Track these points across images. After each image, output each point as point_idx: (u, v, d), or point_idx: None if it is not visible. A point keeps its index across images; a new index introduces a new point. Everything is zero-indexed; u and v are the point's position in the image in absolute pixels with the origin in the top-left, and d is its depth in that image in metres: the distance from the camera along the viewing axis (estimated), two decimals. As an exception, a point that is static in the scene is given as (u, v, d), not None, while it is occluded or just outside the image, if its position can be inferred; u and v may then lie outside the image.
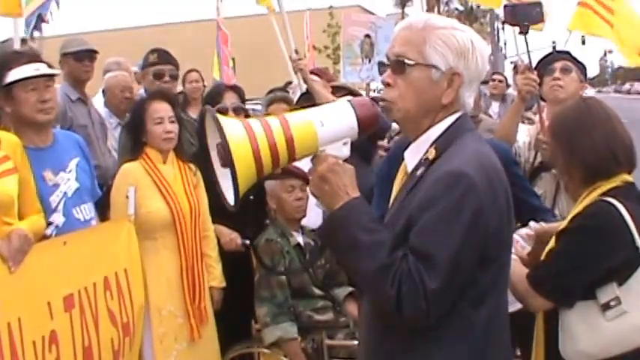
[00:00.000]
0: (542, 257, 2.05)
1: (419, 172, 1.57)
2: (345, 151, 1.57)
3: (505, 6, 3.31)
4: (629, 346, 1.93)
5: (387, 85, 1.60)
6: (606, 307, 1.90)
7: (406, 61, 1.55)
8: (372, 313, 1.60)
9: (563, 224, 2.05)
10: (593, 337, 1.92)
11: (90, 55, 4.00)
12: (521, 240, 2.17)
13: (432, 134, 1.59)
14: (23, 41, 3.54)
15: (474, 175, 1.47)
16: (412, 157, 1.62)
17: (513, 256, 2.00)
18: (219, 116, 1.48)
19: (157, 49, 3.94)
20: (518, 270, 2.01)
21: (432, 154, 1.56)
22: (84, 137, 3.59)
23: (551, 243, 2.04)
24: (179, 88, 5.83)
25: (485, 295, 1.54)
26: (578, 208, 2.03)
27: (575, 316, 1.94)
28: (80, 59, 3.95)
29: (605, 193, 1.98)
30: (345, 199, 1.51)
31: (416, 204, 1.50)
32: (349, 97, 1.68)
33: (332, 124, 1.54)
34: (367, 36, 7.31)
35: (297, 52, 3.80)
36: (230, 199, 1.52)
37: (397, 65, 1.58)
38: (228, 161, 1.44)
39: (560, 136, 2.08)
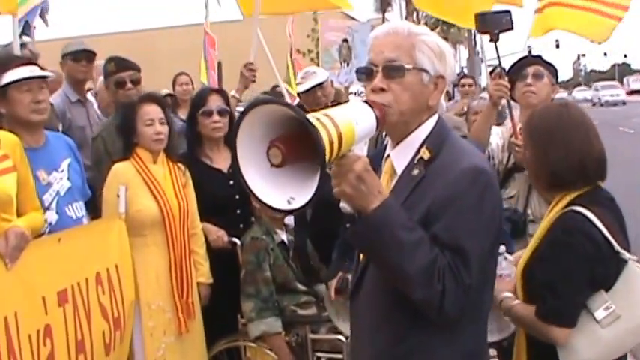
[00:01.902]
0: (518, 274, 2.08)
1: (415, 172, 1.60)
2: (365, 151, 1.55)
3: (475, 15, 3.43)
4: (629, 346, 1.98)
5: (380, 89, 1.60)
6: (600, 314, 1.93)
7: (405, 65, 1.59)
8: (389, 312, 1.59)
9: (534, 242, 2.05)
10: (593, 345, 1.93)
11: (87, 55, 4.05)
12: (506, 269, 2.18)
13: (420, 135, 1.64)
14: (23, 45, 3.59)
15: (490, 172, 1.58)
16: (400, 159, 1.66)
17: (508, 294, 2.08)
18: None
19: (113, 57, 3.73)
20: (523, 310, 2.02)
21: (426, 155, 1.61)
22: (81, 138, 3.64)
23: (523, 260, 2.06)
24: (165, 90, 5.92)
25: (486, 282, 1.64)
26: (548, 217, 2.05)
27: (571, 329, 1.94)
28: (77, 59, 4.00)
29: (573, 201, 2.00)
30: (380, 199, 1.48)
31: (437, 200, 1.52)
32: (364, 98, 1.65)
33: (363, 123, 1.50)
34: (345, 40, 7.44)
35: (251, 63, 3.94)
36: (275, 202, 1.36)
37: (393, 70, 1.60)
38: (320, 155, 1.28)
39: (538, 138, 2.08)
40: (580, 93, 49.34)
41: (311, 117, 1.34)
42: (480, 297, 1.61)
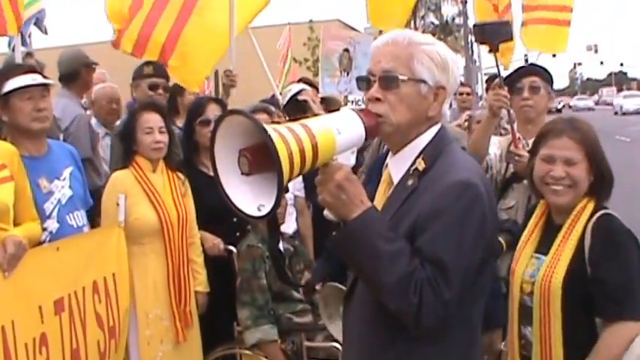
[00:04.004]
0: (557, 286, 2.06)
1: (410, 182, 1.60)
2: (352, 160, 1.57)
3: (474, 25, 3.43)
4: None
5: (376, 100, 1.60)
6: None
7: (400, 76, 1.57)
8: (377, 318, 1.58)
9: (569, 250, 2.06)
10: None
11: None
12: None
13: (418, 145, 1.63)
14: (29, 55, 3.65)
15: (479, 185, 1.55)
16: (397, 168, 1.65)
17: None
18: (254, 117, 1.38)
19: (151, 62, 4.06)
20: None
21: (421, 165, 1.59)
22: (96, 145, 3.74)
23: (561, 270, 2.05)
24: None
25: (478, 295, 1.63)
26: (579, 223, 2.09)
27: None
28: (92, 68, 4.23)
29: (596, 207, 2.10)
30: (362, 208, 1.49)
31: (424, 212, 1.52)
32: (352, 107, 1.70)
33: (347, 132, 1.50)
34: (346, 50, 7.46)
35: (230, 70, 4.21)
36: (247, 208, 1.41)
37: (388, 81, 1.58)
38: (276, 165, 1.32)
39: (595, 149, 2.14)
40: (629, 100, 35.12)
41: (280, 126, 1.39)
42: (469, 310, 1.61)
